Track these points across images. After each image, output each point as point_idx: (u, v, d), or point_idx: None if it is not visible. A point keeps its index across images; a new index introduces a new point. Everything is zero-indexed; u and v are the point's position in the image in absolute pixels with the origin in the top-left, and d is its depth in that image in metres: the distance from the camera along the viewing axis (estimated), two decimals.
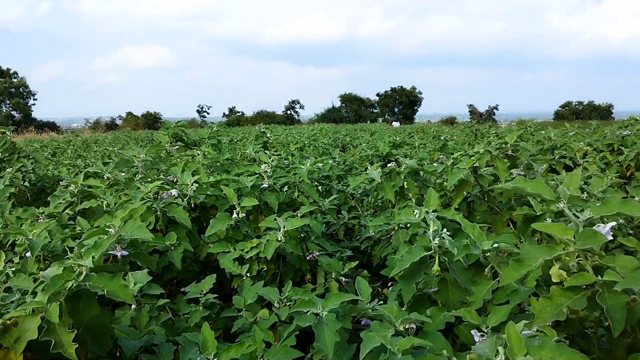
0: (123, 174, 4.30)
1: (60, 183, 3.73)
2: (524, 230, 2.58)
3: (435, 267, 2.02)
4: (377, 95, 78.56)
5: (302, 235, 3.21)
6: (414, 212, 2.61)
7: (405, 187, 3.07)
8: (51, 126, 58.16)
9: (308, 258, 3.09)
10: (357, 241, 5.03)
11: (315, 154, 9.24)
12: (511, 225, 2.97)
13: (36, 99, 62.66)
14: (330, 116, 72.79)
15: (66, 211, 3.42)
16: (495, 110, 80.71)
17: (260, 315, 2.50)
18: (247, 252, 2.90)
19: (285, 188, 3.98)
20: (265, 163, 4.16)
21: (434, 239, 2.02)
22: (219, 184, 3.50)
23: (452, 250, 1.92)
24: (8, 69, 60.07)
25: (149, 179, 3.62)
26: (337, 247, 3.59)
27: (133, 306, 2.33)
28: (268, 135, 8.34)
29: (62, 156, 12.45)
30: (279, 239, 2.89)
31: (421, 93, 79.42)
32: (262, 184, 3.60)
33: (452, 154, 7.76)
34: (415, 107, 79.69)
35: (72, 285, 1.64)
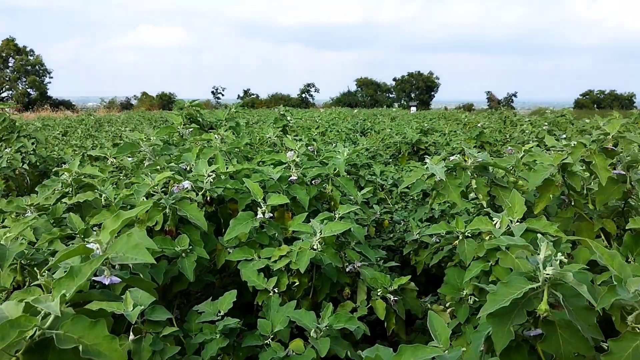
0: (130, 159, 3.77)
1: (55, 169, 3.22)
2: (633, 247, 2.00)
3: (544, 306, 1.46)
4: (394, 80, 77.49)
5: (341, 240, 2.66)
6: (492, 220, 2.04)
7: (474, 186, 2.50)
8: (66, 105, 58.18)
9: (348, 269, 2.54)
10: (390, 239, 4.48)
11: (337, 139, 8.66)
12: (602, 237, 2.39)
13: (52, 77, 62.74)
14: (345, 100, 71.97)
15: (62, 201, 2.90)
16: (513, 98, 79.23)
17: (293, 348, 1.96)
18: (274, 261, 2.36)
19: (315, 181, 3.43)
20: (291, 150, 3.60)
21: (544, 268, 1.45)
22: (239, 175, 2.96)
23: (579, 290, 1.34)
24: (24, 47, 59.89)
25: (158, 167, 3.08)
26: (378, 253, 3.04)
27: (131, 337, 1.80)
28: (288, 118, 7.78)
29: (72, 136, 11.99)
30: (314, 246, 2.34)
31: (438, 78, 78.21)
32: (290, 176, 3.04)
33: (490, 142, 7.12)
34: (432, 93, 78.51)
35: (35, 334, 1.11)
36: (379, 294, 2.42)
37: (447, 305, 2.48)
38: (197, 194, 2.64)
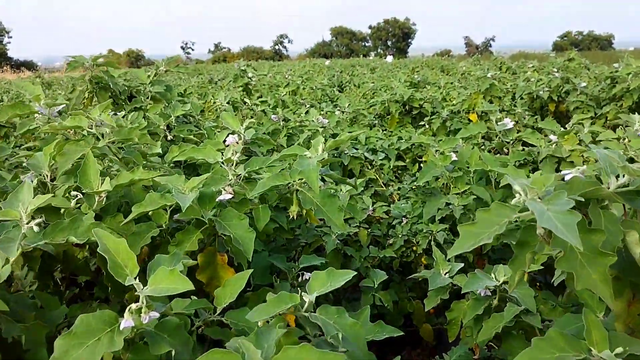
0: None
1: None
2: None
3: None
4: (370, 27, 75.07)
5: None
6: None
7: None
8: (28, 65, 55.06)
9: None
10: (390, 246, 3.17)
11: (312, 99, 7.22)
12: None
13: (11, 37, 59.30)
14: (320, 51, 69.72)
15: None
16: (491, 42, 77.63)
17: None
18: None
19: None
20: (233, 134, 2.21)
21: None
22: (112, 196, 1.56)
23: None
24: None
25: None
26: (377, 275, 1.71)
27: None
28: (249, 75, 6.28)
29: None
30: None
31: (415, 25, 75.94)
32: (221, 193, 1.67)
33: (500, 97, 5.75)
34: (409, 40, 76.40)
35: None
36: None
37: None
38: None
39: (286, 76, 8.11)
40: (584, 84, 6.29)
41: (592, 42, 73.26)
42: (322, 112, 6.20)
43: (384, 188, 4.19)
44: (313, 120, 3.80)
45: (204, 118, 4.43)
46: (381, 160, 4.40)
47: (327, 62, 27.36)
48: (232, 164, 1.88)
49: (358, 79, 11.95)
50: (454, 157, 3.01)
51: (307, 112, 4.58)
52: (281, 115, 3.84)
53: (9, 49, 58.56)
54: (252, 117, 4.42)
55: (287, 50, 74.70)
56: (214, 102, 4.34)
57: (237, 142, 2.22)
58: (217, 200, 1.63)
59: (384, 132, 6.15)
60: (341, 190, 2.80)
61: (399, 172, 5.08)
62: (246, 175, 1.90)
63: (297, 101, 6.41)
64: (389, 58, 42.59)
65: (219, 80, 12.14)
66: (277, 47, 73.78)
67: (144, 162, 1.96)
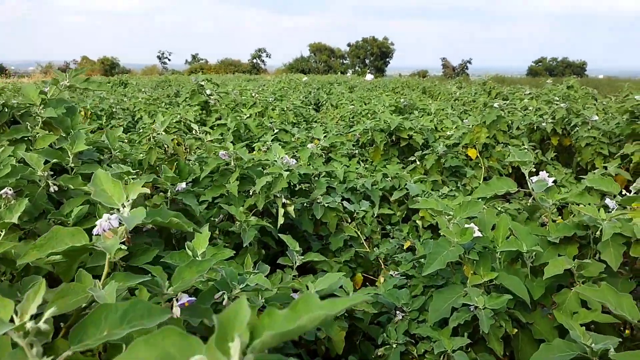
0: None
1: None
2: None
3: None
4: (348, 45, 74.91)
5: None
6: None
7: None
8: None
9: None
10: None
11: (282, 121, 6.21)
12: None
13: None
14: (298, 66, 69.13)
15: None
16: (468, 65, 78.13)
17: None
18: None
19: None
20: (114, 214, 1.19)
21: None
22: None
23: None
24: None
25: None
26: None
27: None
28: (207, 92, 5.27)
29: None
30: None
31: (393, 44, 76.00)
32: None
33: (505, 131, 4.88)
34: (387, 59, 76.33)
35: None
36: None
37: None
38: None
39: (253, 94, 7.07)
40: (595, 117, 5.46)
41: (566, 69, 74.42)
42: (292, 140, 5.21)
43: (367, 249, 3.20)
44: (276, 161, 2.80)
45: (137, 150, 3.38)
46: (363, 210, 3.42)
47: (305, 78, 26.52)
48: None
49: (336, 98, 11.03)
50: (476, 231, 2.05)
51: (267, 150, 3.56)
52: (232, 152, 2.82)
53: None
54: (198, 149, 3.41)
55: (265, 64, 73.82)
56: (150, 127, 3.29)
57: (116, 230, 1.21)
58: None
59: (366, 165, 5.19)
60: None
61: (383, 217, 4.12)
62: None
63: (264, 124, 5.42)
64: (369, 76, 41.99)
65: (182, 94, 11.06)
66: (255, 60, 72.79)
67: None
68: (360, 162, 5.20)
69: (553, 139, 6.25)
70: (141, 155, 3.16)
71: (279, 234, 2.53)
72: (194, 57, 75.35)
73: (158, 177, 2.37)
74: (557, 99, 6.92)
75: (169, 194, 2.41)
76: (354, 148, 5.56)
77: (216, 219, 2.78)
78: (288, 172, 2.73)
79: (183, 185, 2.40)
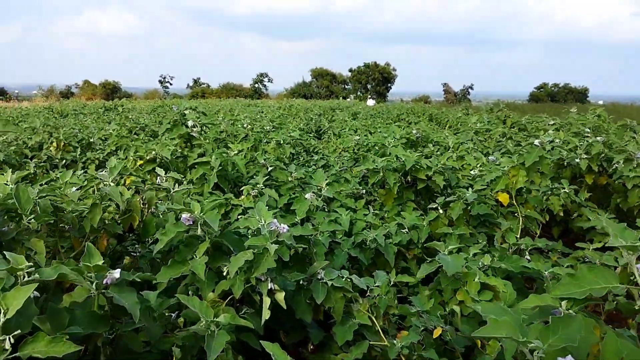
0: None
1: None
2: None
3: None
4: (350, 70, 74.78)
5: None
6: None
7: None
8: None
9: None
10: None
11: (276, 156, 5.42)
12: None
13: None
14: (300, 91, 69.02)
15: None
16: (470, 90, 77.83)
17: None
18: None
19: None
20: None
21: None
22: None
23: None
24: None
25: None
26: None
27: None
28: (190, 124, 4.50)
29: None
30: None
31: (395, 70, 75.91)
32: None
33: (544, 173, 4.08)
34: (389, 85, 76.13)
35: None
36: None
37: None
38: None
39: (255, 118, 6.28)
40: None
41: (568, 94, 74.05)
42: (289, 179, 4.42)
43: (386, 343, 2.36)
44: (260, 227, 2.00)
45: (85, 203, 2.57)
46: (377, 286, 2.58)
47: (310, 104, 25.90)
48: None
49: (339, 126, 10.28)
50: None
51: (244, 216, 2.74)
52: (198, 216, 2.02)
53: None
54: (160, 202, 2.61)
55: (266, 89, 73.60)
56: (93, 177, 2.46)
57: None
58: None
59: (375, 209, 4.38)
60: None
61: (401, 287, 3.31)
62: None
63: (257, 160, 4.64)
64: (370, 102, 41.45)
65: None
66: (256, 85, 72.58)
67: None
68: (369, 205, 4.40)
69: (587, 177, 5.45)
70: (86, 211, 2.36)
71: (261, 342, 1.71)
72: (195, 81, 75.29)
73: (78, 265, 1.57)
74: (588, 130, 6.16)
75: (93, 287, 1.60)
76: (360, 187, 4.76)
77: (173, 315, 1.96)
78: (277, 246, 1.92)
79: (116, 275, 1.60)
